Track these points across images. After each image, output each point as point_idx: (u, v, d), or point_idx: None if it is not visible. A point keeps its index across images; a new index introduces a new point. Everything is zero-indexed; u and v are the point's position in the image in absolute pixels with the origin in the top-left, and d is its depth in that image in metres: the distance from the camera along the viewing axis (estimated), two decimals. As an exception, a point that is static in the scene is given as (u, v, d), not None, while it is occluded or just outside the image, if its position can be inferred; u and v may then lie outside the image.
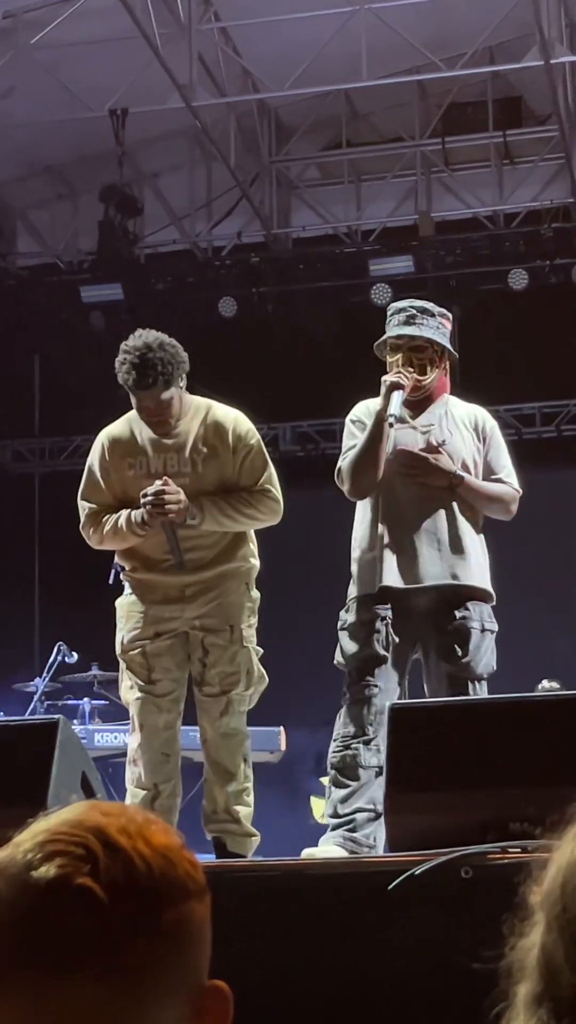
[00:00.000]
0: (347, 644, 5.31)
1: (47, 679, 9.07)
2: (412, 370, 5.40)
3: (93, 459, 5.57)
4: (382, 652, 5.23)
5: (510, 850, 3.41)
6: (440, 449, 5.36)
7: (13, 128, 11.45)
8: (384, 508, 5.40)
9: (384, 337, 5.48)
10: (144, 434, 5.46)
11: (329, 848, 4.92)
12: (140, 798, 5.31)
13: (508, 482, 5.54)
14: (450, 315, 5.66)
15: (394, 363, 5.44)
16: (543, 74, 10.91)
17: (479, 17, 10.88)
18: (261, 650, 5.45)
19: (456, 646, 5.24)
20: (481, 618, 5.34)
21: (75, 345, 12.21)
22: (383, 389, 5.36)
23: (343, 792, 5.13)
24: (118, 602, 5.59)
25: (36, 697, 9.07)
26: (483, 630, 5.33)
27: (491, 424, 5.62)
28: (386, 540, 5.34)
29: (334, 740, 5.24)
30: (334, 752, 5.22)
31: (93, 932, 1.24)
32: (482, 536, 5.50)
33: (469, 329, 12.61)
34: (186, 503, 5.24)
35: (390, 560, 5.29)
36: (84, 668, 9.38)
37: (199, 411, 5.49)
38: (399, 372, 5.37)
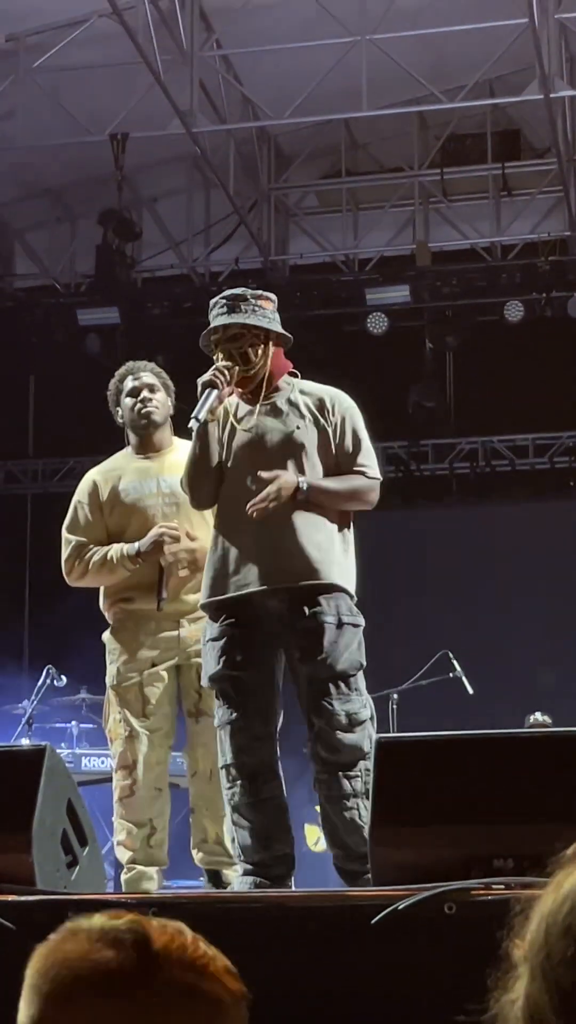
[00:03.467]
0: (204, 663, 5.01)
1: (35, 702, 9.04)
2: (231, 365, 4.99)
3: (81, 495, 5.70)
4: (230, 672, 4.86)
5: (494, 886, 3.40)
6: (272, 475, 4.88)
7: (13, 150, 11.47)
8: (221, 511, 5.08)
9: (203, 335, 5.14)
10: (131, 465, 5.66)
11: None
12: (135, 834, 5.31)
13: (362, 469, 5.06)
14: (271, 296, 5.27)
15: (216, 358, 5.06)
16: (542, 108, 10.96)
17: (480, 50, 10.93)
18: None
19: (310, 645, 4.82)
20: (337, 611, 4.86)
21: (70, 367, 12.24)
22: (199, 390, 4.99)
23: (246, 835, 4.86)
24: (106, 635, 5.61)
25: (24, 719, 9.04)
26: (340, 624, 4.86)
27: (342, 405, 5.13)
28: (227, 545, 4.97)
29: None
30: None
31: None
32: (339, 528, 5.00)
33: (464, 360, 12.69)
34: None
35: (233, 565, 4.94)
36: (73, 691, 9.36)
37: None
38: (215, 370, 4.97)
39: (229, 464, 5.04)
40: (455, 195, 13.00)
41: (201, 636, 5.13)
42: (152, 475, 5.59)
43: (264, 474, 4.87)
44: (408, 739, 4.08)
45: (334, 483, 4.99)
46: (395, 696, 8.50)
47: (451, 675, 8.57)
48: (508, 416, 12.52)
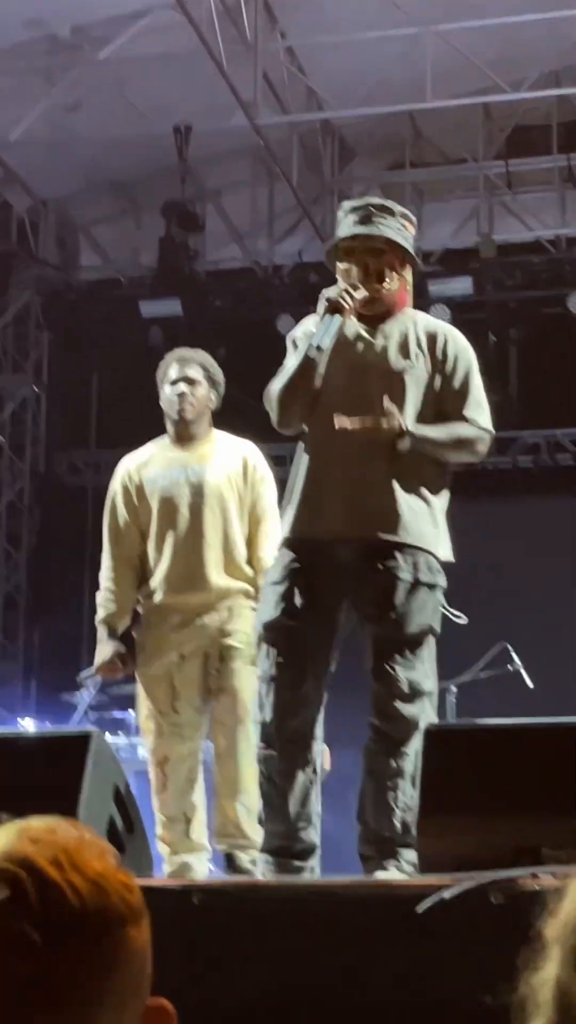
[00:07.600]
0: (260, 608, 4.64)
1: (95, 692, 9.06)
2: (359, 285, 4.53)
3: (116, 486, 5.88)
4: (287, 622, 4.43)
5: (541, 876, 3.36)
6: (388, 409, 4.43)
7: (78, 143, 11.51)
8: (312, 446, 4.60)
9: (334, 240, 4.67)
10: (163, 455, 5.76)
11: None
12: (170, 828, 5.33)
13: (472, 419, 4.63)
14: (414, 219, 4.84)
15: (345, 272, 4.59)
16: (608, 98, 10.88)
17: (545, 40, 10.86)
18: None
19: (380, 602, 4.42)
20: (414, 568, 4.45)
21: (133, 360, 12.26)
22: (320, 306, 4.51)
23: (271, 803, 4.47)
24: (135, 633, 5.65)
25: (82, 709, 9.07)
26: (416, 583, 4.44)
27: (456, 344, 4.71)
28: (310, 483, 4.55)
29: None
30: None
31: (30, 975, 1.22)
32: (434, 491, 4.62)
33: (529, 352, 12.60)
34: None
35: (313, 505, 4.52)
36: (131, 680, 9.37)
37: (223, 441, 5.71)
38: (345, 290, 4.49)
39: (325, 391, 4.58)
40: (520, 187, 12.91)
41: (225, 621, 5.24)
42: (180, 465, 5.60)
43: (387, 407, 4.41)
44: (457, 727, 4.06)
45: (439, 432, 4.56)
46: (454, 689, 8.44)
47: (510, 667, 8.50)
48: (572, 409, 12.42)
